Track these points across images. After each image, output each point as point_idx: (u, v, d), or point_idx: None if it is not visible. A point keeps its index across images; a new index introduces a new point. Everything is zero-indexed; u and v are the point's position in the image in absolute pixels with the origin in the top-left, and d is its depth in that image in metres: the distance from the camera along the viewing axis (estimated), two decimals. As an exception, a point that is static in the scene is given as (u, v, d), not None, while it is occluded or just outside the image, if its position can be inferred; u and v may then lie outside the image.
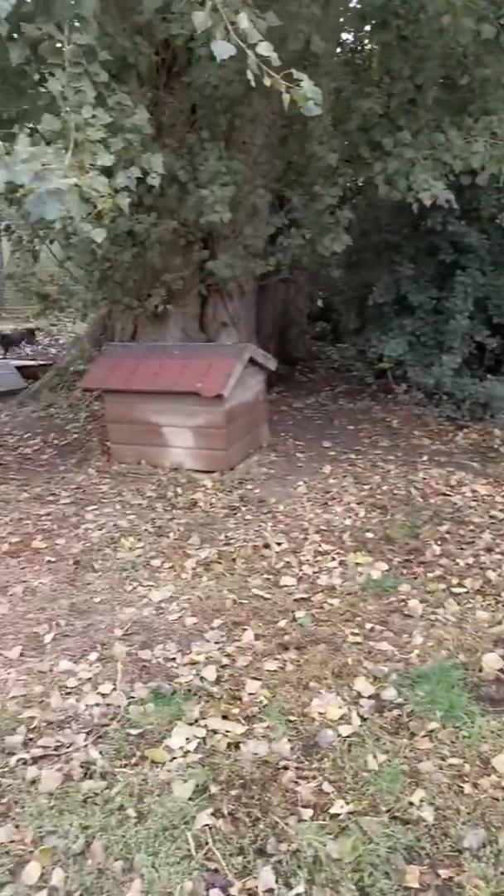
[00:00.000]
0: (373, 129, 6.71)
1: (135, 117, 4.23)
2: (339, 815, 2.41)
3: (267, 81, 3.56)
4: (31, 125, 5.99)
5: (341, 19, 7.26)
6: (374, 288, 8.05)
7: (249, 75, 3.58)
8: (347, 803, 2.46)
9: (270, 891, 2.15)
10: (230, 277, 7.06)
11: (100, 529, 4.99)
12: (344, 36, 8.25)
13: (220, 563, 4.43)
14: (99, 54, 3.82)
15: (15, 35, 4.02)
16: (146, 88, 6.07)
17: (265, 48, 3.51)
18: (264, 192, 6.93)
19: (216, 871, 2.23)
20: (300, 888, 2.14)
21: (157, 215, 6.41)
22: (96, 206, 3.79)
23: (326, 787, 2.54)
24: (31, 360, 12.32)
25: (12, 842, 2.35)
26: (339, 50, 8.24)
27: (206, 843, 2.32)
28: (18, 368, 11.10)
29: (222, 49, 3.44)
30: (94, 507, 5.41)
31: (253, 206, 6.85)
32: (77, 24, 3.74)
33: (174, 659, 3.41)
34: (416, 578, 4.17)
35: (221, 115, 6.44)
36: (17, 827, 2.41)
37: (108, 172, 3.90)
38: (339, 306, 10.07)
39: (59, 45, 3.69)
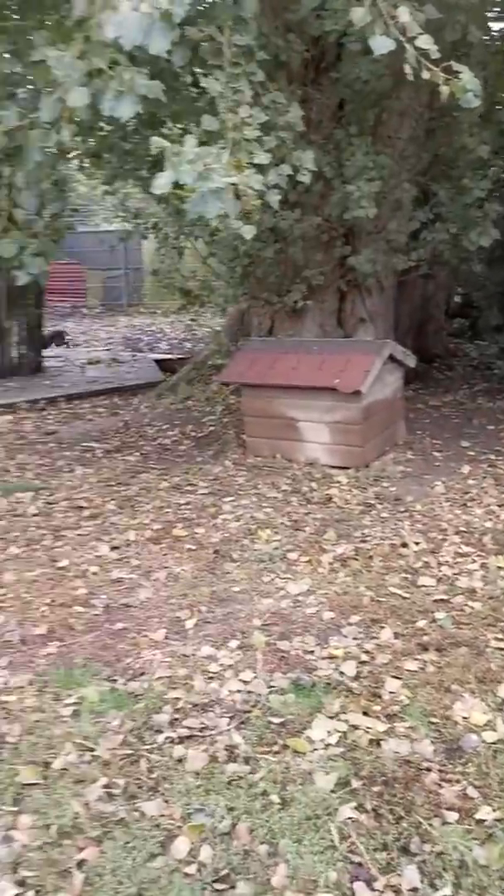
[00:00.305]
0: (527, 120, 6.49)
1: (288, 115, 4.28)
2: (485, 821, 2.37)
3: (425, 74, 3.51)
4: (180, 126, 6.17)
5: (496, 7, 7.04)
6: (519, 284, 7.79)
7: (407, 69, 3.54)
8: (494, 810, 2.41)
9: (415, 889, 2.14)
10: (371, 273, 7.02)
11: (237, 521, 5.09)
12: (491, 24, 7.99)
13: (356, 559, 4.43)
14: (257, 54, 3.89)
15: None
16: (295, 85, 6.12)
17: (425, 41, 3.47)
18: (409, 185, 6.84)
19: (360, 864, 2.24)
20: (446, 890, 2.12)
21: (301, 211, 6.46)
22: (247, 203, 3.86)
23: (471, 791, 2.50)
24: (168, 354, 12.72)
25: (162, 816, 2.45)
26: (486, 38, 7.99)
27: (349, 836, 2.34)
28: (157, 362, 11.50)
29: (381, 44, 3.42)
30: (231, 498, 5.53)
31: (397, 201, 6.78)
32: (236, 25, 3.82)
33: (312, 652, 3.44)
34: None
35: (370, 109, 6.40)
36: (166, 802, 2.51)
37: (259, 170, 3.97)
38: (480, 302, 9.80)
39: (218, 46, 3.78)
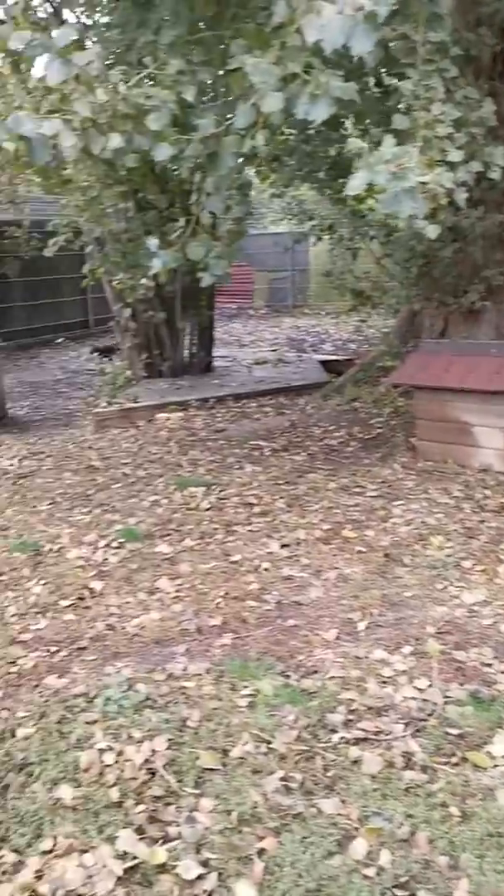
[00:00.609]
0: None
1: (481, 110, 4.16)
2: None
3: None
4: (361, 126, 6.15)
5: None
6: None
7: None
8: None
9: None
10: None
11: (407, 525, 5.01)
12: None
13: (535, 572, 4.24)
14: (450, 50, 3.81)
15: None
16: (482, 80, 5.95)
17: None
18: None
19: (547, 890, 2.15)
20: None
21: (484, 209, 6.27)
22: (435, 202, 3.79)
23: None
24: (333, 355, 12.73)
25: (339, 815, 2.45)
26: None
27: (535, 860, 2.24)
28: (322, 363, 11.53)
29: None
30: (401, 502, 5.44)
31: None
32: (430, 22, 3.76)
33: (490, 665, 3.33)
34: None
35: None
36: (342, 802, 2.51)
37: (449, 167, 3.88)
38: None
39: (412, 45, 3.73)
